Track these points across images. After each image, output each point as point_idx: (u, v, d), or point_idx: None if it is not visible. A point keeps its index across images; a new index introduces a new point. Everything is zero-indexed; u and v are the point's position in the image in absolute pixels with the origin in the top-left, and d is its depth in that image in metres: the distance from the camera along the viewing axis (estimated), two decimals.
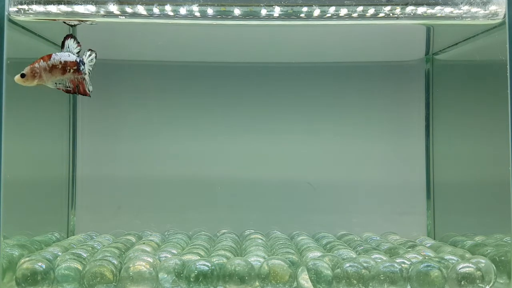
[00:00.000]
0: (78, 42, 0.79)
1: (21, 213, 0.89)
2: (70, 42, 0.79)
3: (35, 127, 0.97)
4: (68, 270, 0.75)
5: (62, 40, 0.79)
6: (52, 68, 0.76)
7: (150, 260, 0.77)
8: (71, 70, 0.78)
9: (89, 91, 0.80)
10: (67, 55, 0.78)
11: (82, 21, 0.84)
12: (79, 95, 0.80)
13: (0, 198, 0.77)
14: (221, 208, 1.11)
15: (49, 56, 0.77)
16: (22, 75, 0.75)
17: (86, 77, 0.80)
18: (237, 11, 0.82)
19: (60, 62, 0.77)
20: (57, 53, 0.77)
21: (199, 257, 0.80)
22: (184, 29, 0.97)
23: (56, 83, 0.78)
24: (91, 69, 0.80)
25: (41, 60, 0.76)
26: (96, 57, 0.80)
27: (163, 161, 1.11)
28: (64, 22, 0.84)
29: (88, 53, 0.80)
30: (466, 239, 0.94)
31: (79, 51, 0.79)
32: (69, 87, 0.79)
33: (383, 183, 1.11)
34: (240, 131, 1.12)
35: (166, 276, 0.76)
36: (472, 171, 0.98)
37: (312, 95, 1.11)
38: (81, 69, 0.79)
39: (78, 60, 0.78)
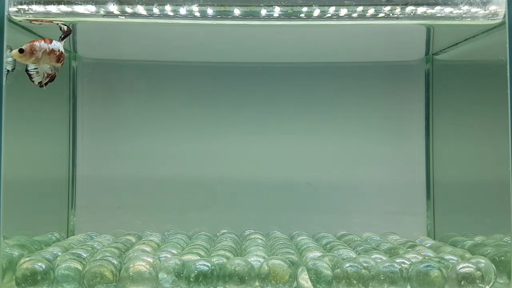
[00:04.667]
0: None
1: (21, 213, 0.89)
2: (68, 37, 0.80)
3: (35, 127, 0.97)
4: (68, 270, 0.75)
5: (65, 32, 0.80)
6: (51, 52, 0.77)
7: (150, 260, 0.77)
8: (62, 61, 0.79)
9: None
10: (62, 47, 0.78)
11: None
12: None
13: (0, 198, 0.77)
14: (221, 208, 1.11)
15: (51, 40, 0.77)
16: (21, 51, 0.75)
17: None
18: (237, 11, 0.82)
19: (59, 50, 0.78)
20: (56, 41, 0.78)
21: (199, 257, 0.80)
22: (184, 29, 0.97)
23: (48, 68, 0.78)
24: None
25: (42, 41, 0.76)
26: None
27: (163, 161, 1.11)
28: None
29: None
30: (466, 239, 0.94)
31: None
32: (54, 74, 0.79)
33: (383, 183, 1.11)
34: (240, 131, 1.12)
35: (166, 276, 0.76)
36: (472, 171, 0.98)
37: (312, 95, 1.11)
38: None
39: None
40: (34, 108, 0.94)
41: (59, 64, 0.78)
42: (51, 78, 0.79)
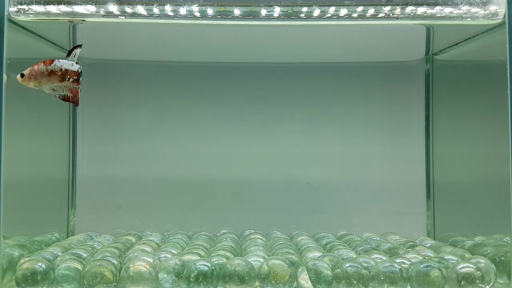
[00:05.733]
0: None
1: (21, 213, 0.89)
2: (78, 52, 0.79)
3: (35, 127, 0.97)
4: (68, 270, 0.75)
5: (71, 48, 0.79)
6: (51, 73, 0.76)
7: (150, 260, 0.77)
8: (71, 79, 0.78)
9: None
10: (70, 64, 0.78)
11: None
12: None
13: (0, 198, 0.77)
14: (221, 208, 1.11)
15: (51, 61, 0.77)
16: (22, 75, 0.76)
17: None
18: (237, 11, 0.82)
19: (61, 69, 0.77)
20: (60, 60, 0.77)
21: (199, 257, 0.80)
22: (184, 29, 0.97)
23: (53, 89, 0.78)
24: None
25: (42, 64, 0.76)
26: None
27: (163, 161, 1.11)
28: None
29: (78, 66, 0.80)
30: (466, 239, 0.94)
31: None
32: (65, 95, 0.79)
33: (383, 183, 1.11)
34: (240, 131, 1.12)
35: (166, 276, 0.76)
36: (472, 171, 0.98)
37: (312, 95, 1.11)
38: (80, 79, 0.79)
39: (80, 70, 0.78)
40: (34, 108, 0.94)
41: (67, 83, 0.78)
42: (63, 98, 0.79)
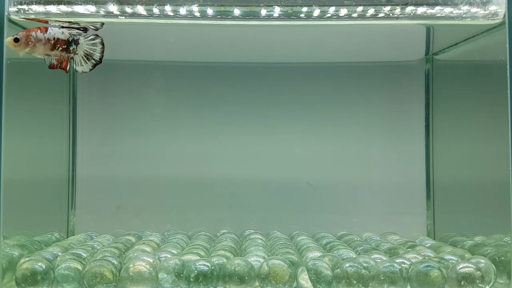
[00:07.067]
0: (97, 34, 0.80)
1: (21, 213, 0.89)
2: (97, 41, 0.80)
3: (35, 127, 0.97)
4: (68, 270, 0.75)
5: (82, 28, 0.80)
6: (47, 42, 0.77)
7: (150, 260, 0.77)
8: (60, 48, 0.78)
9: (76, 71, 0.81)
10: (61, 33, 0.78)
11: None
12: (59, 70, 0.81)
13: (0, 198, 0.77)
14: (221, 208, 1.11)
15: (46, 29, 0.77)
16: (16, 40, 0.75)
17: (76, 57, 0.80)
18: (237, 11, 0.82)
19: (54, 38, 0.77)
20: (53, 28, 0.78)
21: (199, 257, 0.80)
22: (184, 29, 0.97)
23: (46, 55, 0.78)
24: (92, 51, 0.80)
25: (38, 31, 0.76)
26: (102, 43, 0.81)
27: (163, 161, 1.11)
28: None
29: (92, 37, 0.80)
30: (466, 239, 0.94)
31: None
32: (52, 63, 0.79)
33: (383, 183, 1.11)
34: (240, 131, 1.12)
35: (166, 276, 0.76)
36: (472, 171, 0.98)
37: (312, 95, 1.11)
38: (70, 48, 0.79)
39: (70, 39, 0.78)
40: (34, 108, 0.94)
41: (56, 52, 0.78)
42: (51, 67, 0.79)
